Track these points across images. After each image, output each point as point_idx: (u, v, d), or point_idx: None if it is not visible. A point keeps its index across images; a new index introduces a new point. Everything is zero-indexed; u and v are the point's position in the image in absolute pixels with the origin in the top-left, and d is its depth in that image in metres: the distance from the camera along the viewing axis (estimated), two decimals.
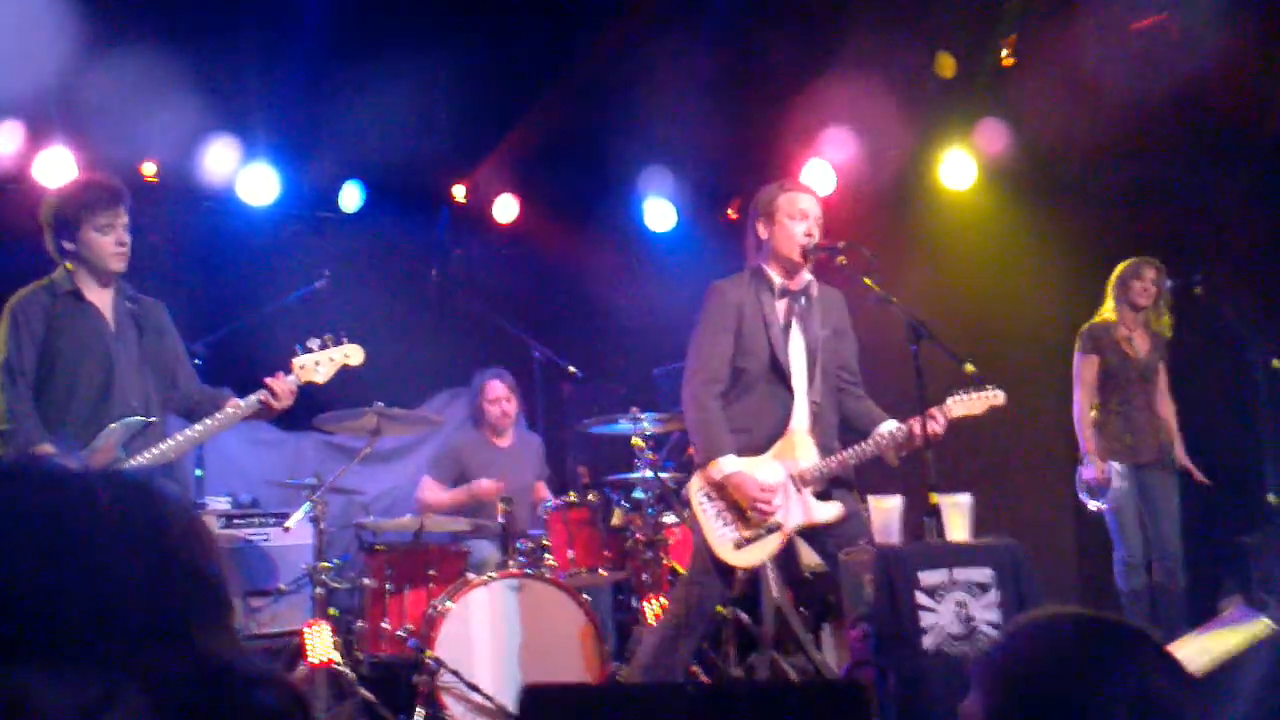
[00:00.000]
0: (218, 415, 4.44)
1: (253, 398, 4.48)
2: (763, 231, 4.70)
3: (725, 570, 4.54)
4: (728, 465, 4.48)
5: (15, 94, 6.31)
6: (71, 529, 1.12)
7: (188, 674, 1.12)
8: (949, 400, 4.51)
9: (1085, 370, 6.34)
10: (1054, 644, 1.59)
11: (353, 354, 4.78)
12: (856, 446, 4.58)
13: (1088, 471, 6.22)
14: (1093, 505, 6.27)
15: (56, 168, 6.58)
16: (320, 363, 4.67)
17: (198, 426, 4.44)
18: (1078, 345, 6.39)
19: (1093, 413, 6.31)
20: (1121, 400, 6.29)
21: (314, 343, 4.69)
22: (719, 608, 5.06)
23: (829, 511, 4.57)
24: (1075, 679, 1.53)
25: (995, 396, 4.57)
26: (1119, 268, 6.44)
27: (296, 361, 4.62)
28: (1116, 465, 6.17)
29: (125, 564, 1.12)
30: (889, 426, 4.61)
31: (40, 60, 5.99)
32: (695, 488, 4.57)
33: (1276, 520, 6.22)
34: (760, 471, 4.51)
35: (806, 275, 4.72)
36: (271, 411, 4.55)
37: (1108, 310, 6.42)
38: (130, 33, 6.04)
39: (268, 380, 4.51)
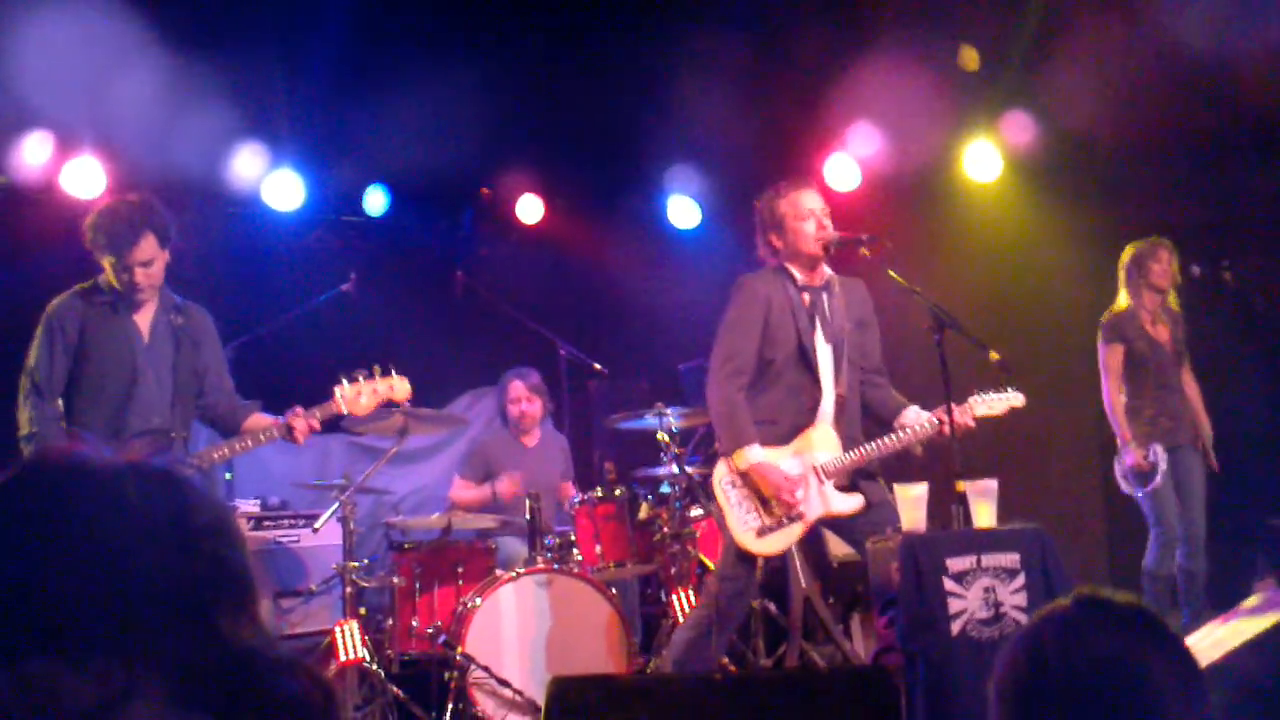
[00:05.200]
0: (236, 443, 4.48)
1: (275, 433, 4.49)
2: (776, 241, 4.74)
3: (746, 558, 4.58)
4: (753, 455, 4.51)
5: (44, 104, 6.37)
6: (97, 520, 1.14)
7: (210, 661, 1.13)
8: (970, 400, 4.57)
9: (1111, 359, 6.27)
10: (1058, 629, 1.59)
11: (398, 387, 4.70)
12: (879, 440, 4.61)
13: (1129, 458, 6.12)
14: (1137, 493, 6.15)
15: (85, 177, 6.64)
16: (363, 394, 4.63)
17: (224, 449, 4.48)
18: (1100, 336, 6.33)
19: (1123, 399, 6.24)
20: (1158, 384, 6.21)
21: (360, 373, 4.65)
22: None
23: (849, 504, 4.60)
24: (1076, 662, 1.53)
25: (1015, 398, 4.68)
26: (1129, 251, 6.37)
27: (339, 391, 4.60)
28: (1159, 448, 6.11)
29: (149, 554, 1.14)
30: (912, 416, 4.63)
31: (68, 70, 6.06)
32: (719, 476, 4.61)
33: None
34: (783, 463, 4.54)
35: (827, 270, 4.75)
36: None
37: (1122, 298, 6.36)
38: (157, 42, 6.08)
39: (293, 421, 4.50)
